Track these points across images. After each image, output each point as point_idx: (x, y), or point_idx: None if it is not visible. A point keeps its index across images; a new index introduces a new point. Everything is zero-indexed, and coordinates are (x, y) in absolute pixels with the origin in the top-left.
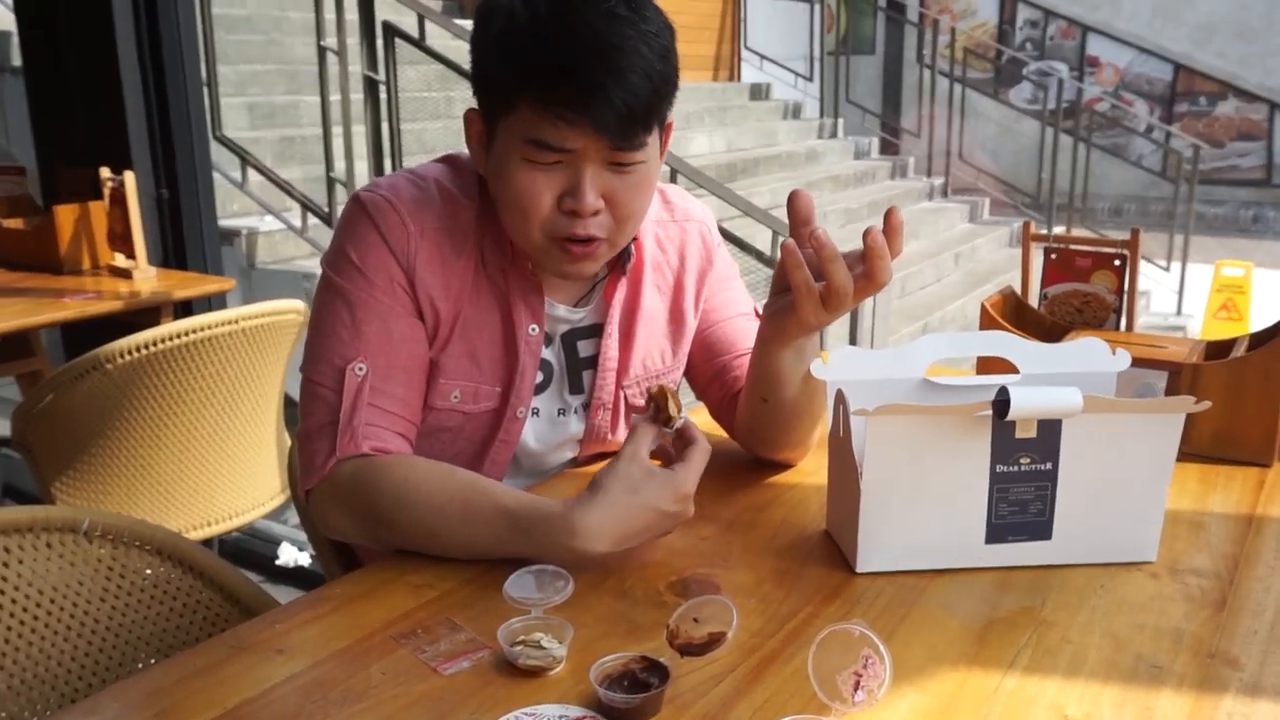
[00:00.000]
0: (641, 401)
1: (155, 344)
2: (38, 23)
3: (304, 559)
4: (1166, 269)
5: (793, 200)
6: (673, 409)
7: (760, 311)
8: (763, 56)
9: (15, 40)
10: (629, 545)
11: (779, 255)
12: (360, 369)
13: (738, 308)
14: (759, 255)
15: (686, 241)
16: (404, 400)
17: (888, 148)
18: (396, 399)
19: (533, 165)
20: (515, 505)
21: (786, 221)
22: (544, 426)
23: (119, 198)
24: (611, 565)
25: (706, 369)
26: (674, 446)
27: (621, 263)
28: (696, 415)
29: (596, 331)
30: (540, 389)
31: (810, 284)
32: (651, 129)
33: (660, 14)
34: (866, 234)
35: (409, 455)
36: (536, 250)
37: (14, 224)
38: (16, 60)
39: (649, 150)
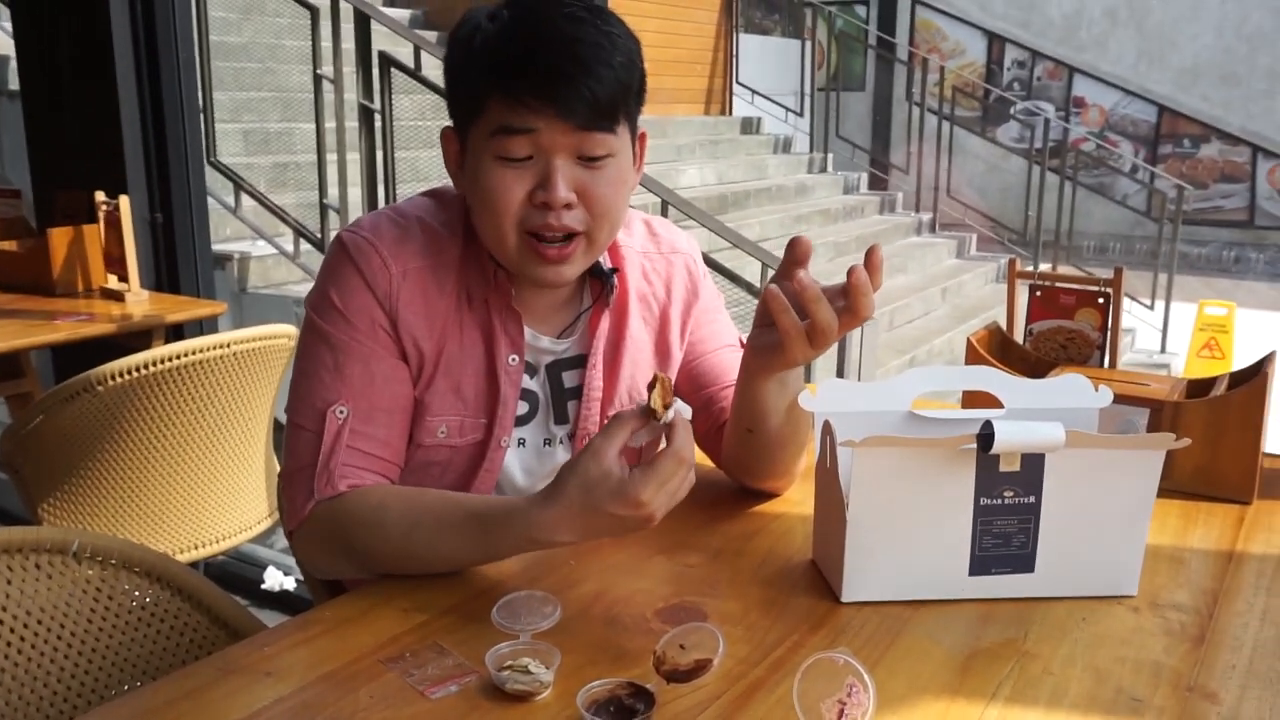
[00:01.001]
0: None
1: (146, 367)
2: (36, 47)
3: (289, 583)
4: (1151, 307)
5: (794, 244)
6: (656, 401)
7: (745, 342)
8: (754, 91)
9: (13, 64)
10: (594, 539)
11: (760, 300)
12: (341, 412)
13: (723, 339)
14: (748, 287)
15: (673, 274)
16: (384, 441)
17: (877, 183)
18: (377, 440)
19: (503, 163)
20: (483, 508)
21: (776, 255)
22: (530, 457)
23: (113, 221)
24: (596, 559)
25: (693, 400)
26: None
27: (605, 294)
28: None
29: (581, 362)
30: (525, 420)
31: (798, 326)
32: (618, 120)
33: (624, 24)
34: (851, 272)
35: (381, 485)
36: (512, 254)
37: (8, 246)
38: (14, 84)
39: (617, 145)
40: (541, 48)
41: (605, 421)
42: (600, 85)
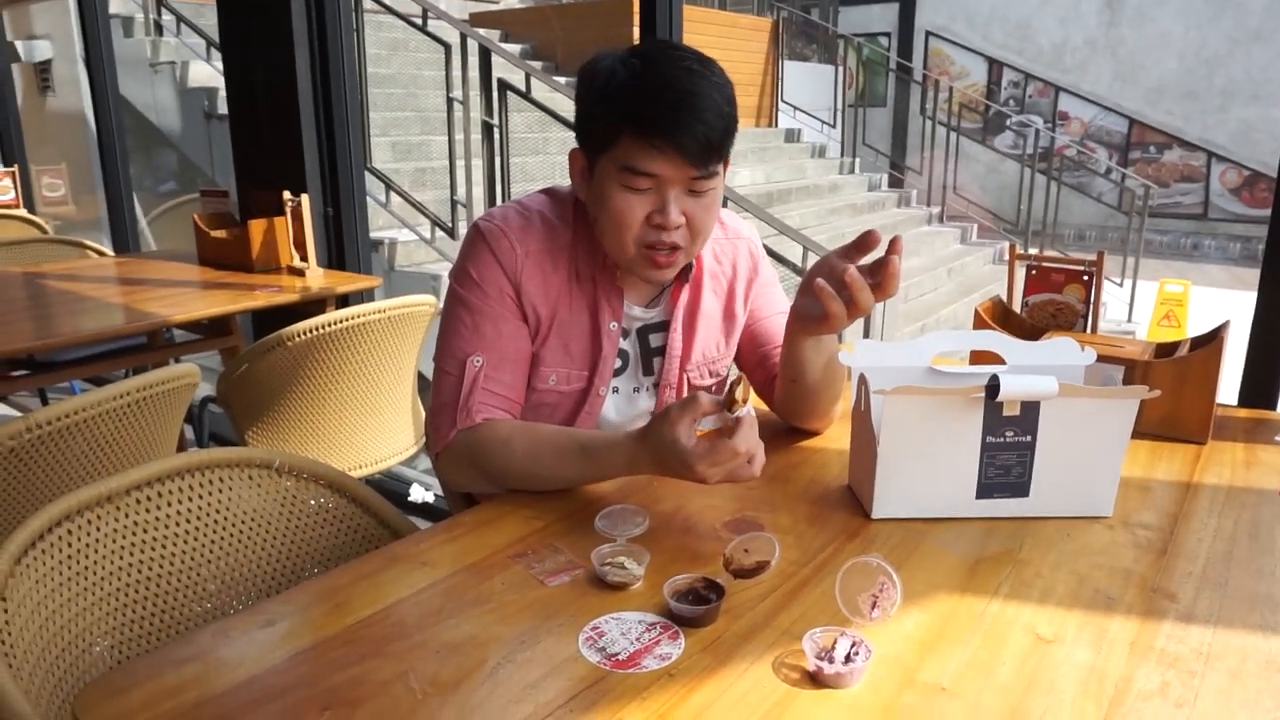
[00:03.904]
0: (701, 381)
1: (322, 328)
2: (240, 81)
3: (429, 497)
4: (1120, 285)
5: (869, 235)
6: (739, 395)
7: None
8: (795, 107)
9: (223, 94)
10: (667, 476)
11: (807, 272)
12: (477, 361)
13: (776, 307)
14: (792, 266)
15: (738, 255)
16: (510, 385)
17: (895, 182)
18: (504, 384)
19: (627, 190)
20: (589, 441)
21: (814, 240)
22: (623, 402)
23: (297, 214)
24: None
25: (752, 356)
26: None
27: (685, 272)
28: None
29: (664, 327)
30: (619, 372)
31: (842, 307)
32: (722, 158)
33: (724, 73)
34: (889, 263)
35: (508, 420)
36: (628, 260)
37: (219, 234)
38: (223, 109)
39: (717, 179)
40: (667, 98)
41: (683, 374)
42: (711, 132)
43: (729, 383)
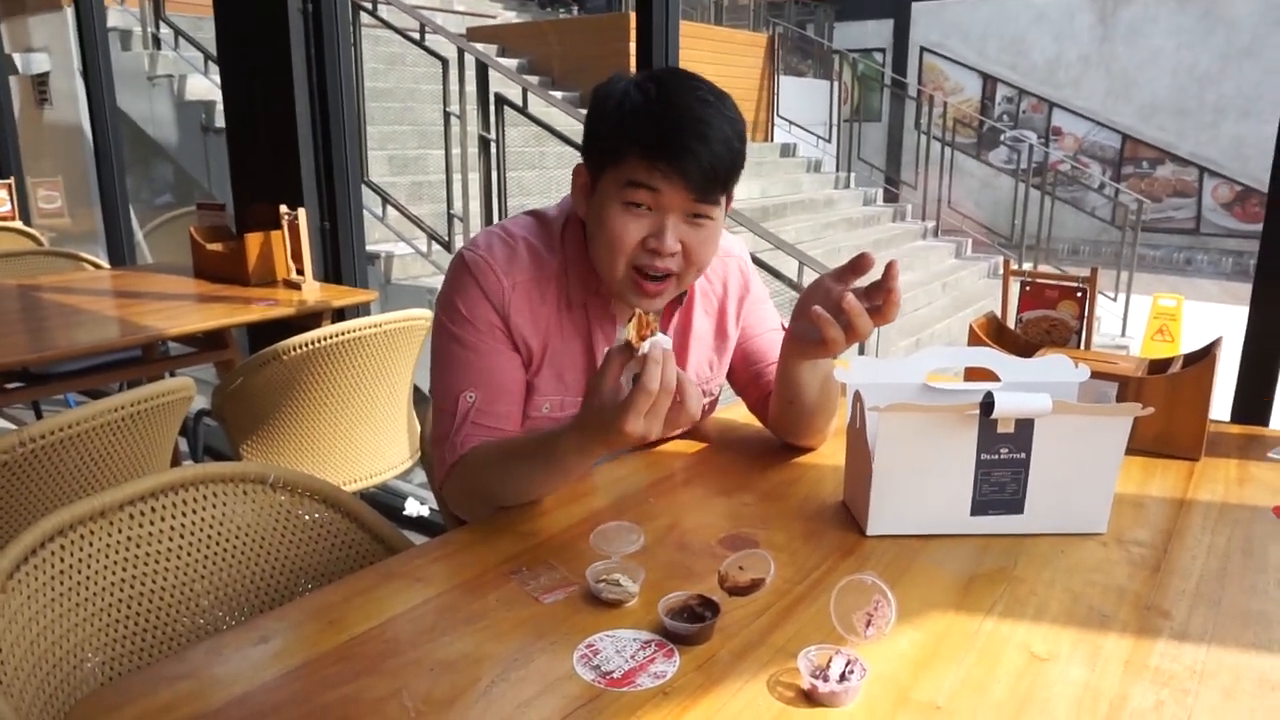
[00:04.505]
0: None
1: (318, 341)
2: (238, 95)
3: (424, 511)
4: (1114, 299)
5: (862, 258)
6: (630, 333)
7: (785, 327)
8: (791, 122)
9: (219, 108)
10: (618, 449)
11: (802, 294)
12: (470, 396)
13: (768, 324)
14: (788, 281)
15: (728, 273)
16: (504, 415)
17: (890, 197)
18: (499, 415)
19: (628, 208)
20: (542, 438)
21: (810, 255)
22: None
23: (293, 228)
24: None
25: (745, 374)
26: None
27: (677, 296)
28: (735, 409)
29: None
30: None
31: (840, 332)
32: (725, 189)
33: (737, 109)
34: (890, 292)
35: (489, 442)
36: (619, 282)
37: (216, 247)
38: (220, 123)
39: (717, 212)
40: (679, 124)
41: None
42: (718, 162)
43: (707, 365)
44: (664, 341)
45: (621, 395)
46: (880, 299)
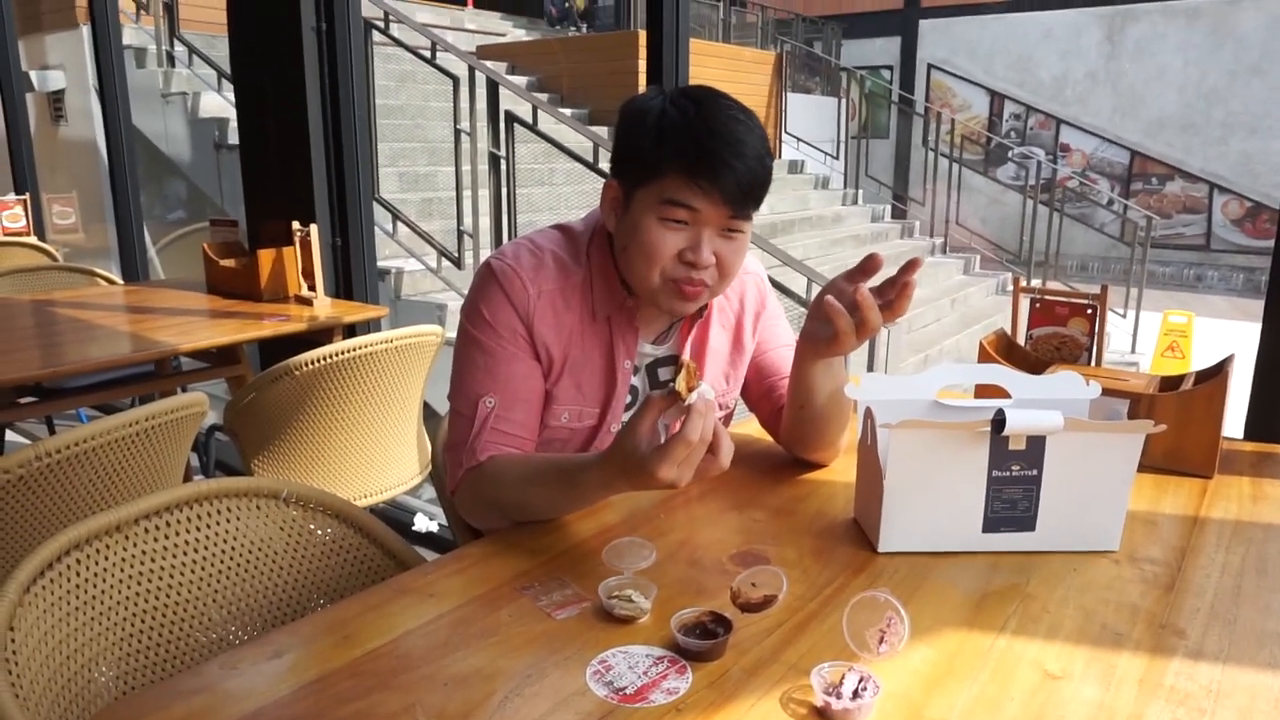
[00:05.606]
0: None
1: (329, 357)
2: (251, 112)
3: (434, 526)
4: (1124, 316)
5: (871, 259)
6: (680, 384)
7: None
8: (799, 139)
9: (233, 125)
10: (641, 490)
11: (815, 296)
12: (489, 402)
13: (782, 340)
14: (797, 298)
15: (745, 290)
16: (522, 423)
17: (898, 213)
18: (516, 423)
19: (664, 224)
20: (566, 464)
21: (818, 271)
22: None
23: (305, 244)
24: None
25: (758, 387)
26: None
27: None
28: (747, 425)
29: (673, 361)
30: (629, 407)
31: (851, 325)
32: (758, 203)
33: (762, 126)
34: (906, 285)
35: (507, 454)
36: (651, 290)
37: (228, 263)
38: (234, 140)
39: (748, 225)
40: (716, 141)
41: None
42: (753, 177)
43: (724, 377)
44: (708, 392)
45: (657, 441)
46: (893, 293)
